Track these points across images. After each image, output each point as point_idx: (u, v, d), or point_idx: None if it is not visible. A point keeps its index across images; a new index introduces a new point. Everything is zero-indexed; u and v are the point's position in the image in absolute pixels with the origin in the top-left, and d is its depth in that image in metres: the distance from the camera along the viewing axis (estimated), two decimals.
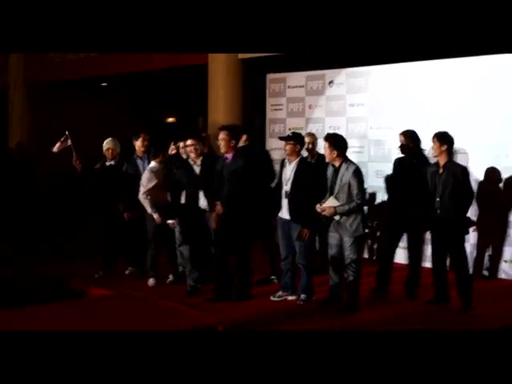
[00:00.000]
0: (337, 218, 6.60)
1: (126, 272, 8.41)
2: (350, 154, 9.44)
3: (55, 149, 8.42)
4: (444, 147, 6.62)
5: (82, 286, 7.87)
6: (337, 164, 6.67)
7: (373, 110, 9.33)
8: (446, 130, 6.75)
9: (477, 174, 8.12)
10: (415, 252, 7.30)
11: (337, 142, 6.71)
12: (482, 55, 7.77)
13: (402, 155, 7.27)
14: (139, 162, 8.12)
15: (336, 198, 6.57)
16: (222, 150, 6.97)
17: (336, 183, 6.62)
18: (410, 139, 7.15)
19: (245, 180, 6.87)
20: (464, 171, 6.64)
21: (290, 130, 9.68)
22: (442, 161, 6.66)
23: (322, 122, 9.90)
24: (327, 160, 6.78)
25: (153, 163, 7.68)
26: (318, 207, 6.60)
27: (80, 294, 7.65)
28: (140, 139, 8.14)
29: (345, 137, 9.65)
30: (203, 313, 6.59)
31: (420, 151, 7.23)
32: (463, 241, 6.77)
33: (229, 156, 6.99)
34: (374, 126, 9.10)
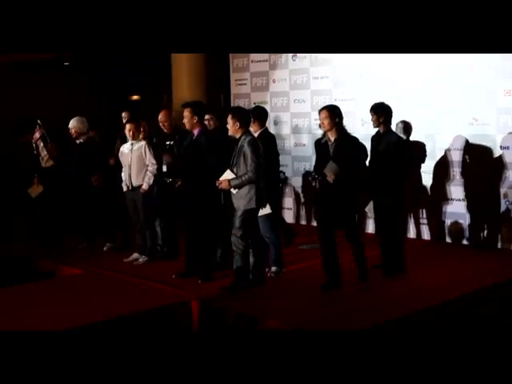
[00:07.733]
0: (233, 191, 6.39)
1: (104, 248, 8.44)
2: (314, 126, 9.59)
3: (34, 139, 8.51)
4: (381, 119, 6.76)
5: (50, 265, 7.84)
6: (238, 136, 6.46)
7: (337, 82, 9.39)
8: (383, 101, 6.87)
9: (444, 143, 8.24)
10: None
11: (239, 114, 6.49)
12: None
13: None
14: None
15: (232, 170, 6.37)
16: (187, 126, 6.98)
17: (235, 155, 6.43)
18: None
19: (208, 156, 6.86)
20: (399, 143, 6.71)
21: (254, 104, 9.70)
22: (382, 130, 6.82)
23: (286, 95, 9.94)
24: (230, 132, 6.56)
25: (142, 140, 7.67)
26: (217, 181, 6.43)
27: (50, 274, 7.64)
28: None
29: (309, 110, 9.70)
30: (176, 289, 6.59)
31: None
32: (394, 209, 6.76)
33: (194, 132, 7.00)
34: (339, 98, 9.15)
